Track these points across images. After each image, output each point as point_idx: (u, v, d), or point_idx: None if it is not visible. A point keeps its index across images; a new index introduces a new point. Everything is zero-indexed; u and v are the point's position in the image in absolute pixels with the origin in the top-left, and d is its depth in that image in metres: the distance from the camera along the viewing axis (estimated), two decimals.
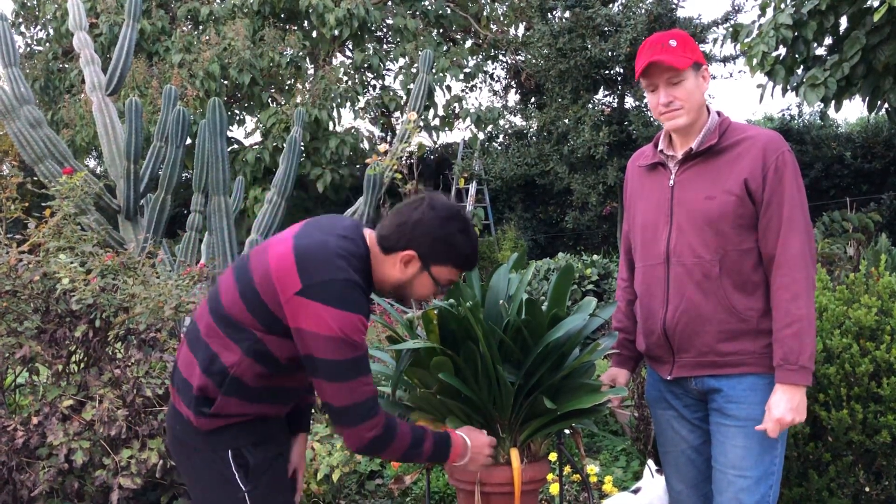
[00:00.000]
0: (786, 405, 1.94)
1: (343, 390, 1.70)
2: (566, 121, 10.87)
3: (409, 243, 1.78)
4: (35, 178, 5.31)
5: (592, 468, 3.76)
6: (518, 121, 12.85)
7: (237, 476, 1.77)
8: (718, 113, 2.12)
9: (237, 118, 13.93)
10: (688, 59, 2.02)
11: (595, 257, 6.56)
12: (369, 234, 1.84)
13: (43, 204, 3.46)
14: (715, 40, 8.97)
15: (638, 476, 3.60)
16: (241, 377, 1.75)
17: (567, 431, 2.50)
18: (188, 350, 1.83)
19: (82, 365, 3.34)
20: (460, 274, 1.88)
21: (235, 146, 13.68)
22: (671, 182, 2.11)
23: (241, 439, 1.79)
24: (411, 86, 8.34)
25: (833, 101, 6.83)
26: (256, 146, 12.95)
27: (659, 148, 2.16)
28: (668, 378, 2.15)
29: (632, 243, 2.27)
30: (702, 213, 2.03)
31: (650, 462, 3.18)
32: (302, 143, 12.12)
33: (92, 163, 14.56)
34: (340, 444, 3.14)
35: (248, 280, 1.73)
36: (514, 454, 2.11)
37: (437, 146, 15.20)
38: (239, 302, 1.73)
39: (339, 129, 13.06)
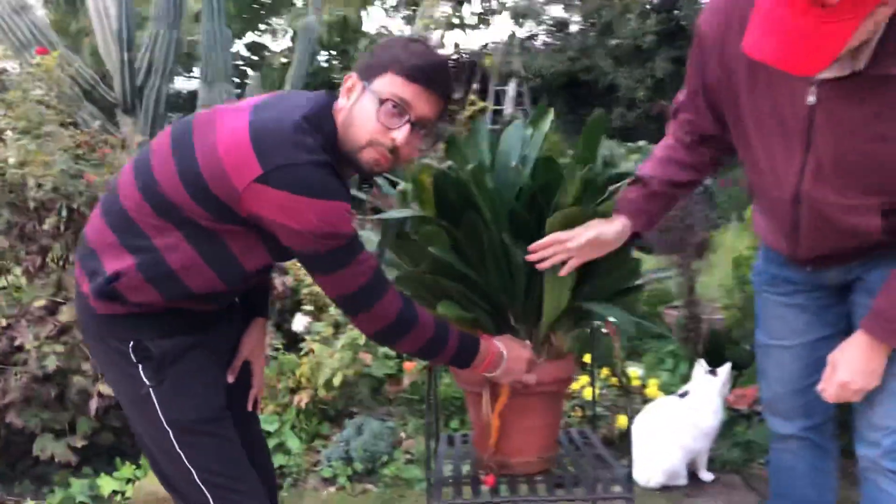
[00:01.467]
0: (858, 365, 1.45)
1: (342, 279, 1.41)
2: (610, 9, 10.10)
3: (352, 70, 1.48)
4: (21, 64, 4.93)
5: (635, 371, 3.36)
6: (559, 11, 12.02)
7: (140, 369, 1.43)
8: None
9: (267, 28, 13.46)
10: (851, 22, 1.15)
11: (641, 143, 5.89)
12: None
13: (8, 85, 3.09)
14: None
15: (687, 379, 3.18)
16: (174, 268, 1.39)
17: (598, 324, 2.08)
18: (105, 225, 1.43)
19: (60, 262, 3.02)
20: (414, 89, 1.39)
21: (266, 53, 13.26)
22: (811, 98, 1.36)
23: (144, 331, 1.43)
24: None
25: None
26: (285, 51, 12.47)
27: None
28: (806, 269, 1.63)
29: (734, 143, 1.59)
30: (867, 157, 1.36)
31: (701, 361, 2.78)
32: (329, 48, 11.62)
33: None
34: (342, 345, 2.79)
35: (190, 161, 1.34)
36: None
37: (472, 48, 14.45)
38: (179, 186, 1.34)
39: (368, 29, 12.44)
